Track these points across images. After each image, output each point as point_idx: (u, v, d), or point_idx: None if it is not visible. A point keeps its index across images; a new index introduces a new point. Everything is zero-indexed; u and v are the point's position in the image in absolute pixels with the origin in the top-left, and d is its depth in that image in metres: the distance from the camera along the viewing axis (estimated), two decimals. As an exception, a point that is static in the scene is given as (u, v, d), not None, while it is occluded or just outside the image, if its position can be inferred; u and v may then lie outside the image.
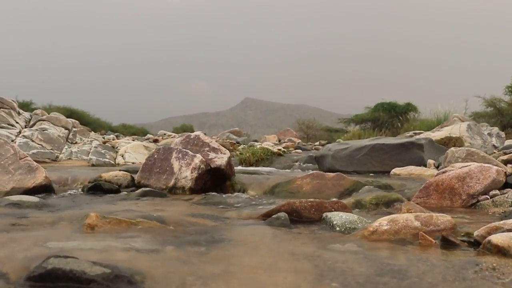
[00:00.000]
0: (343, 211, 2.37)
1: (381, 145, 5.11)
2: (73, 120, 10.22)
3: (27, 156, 3.52)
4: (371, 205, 2.76)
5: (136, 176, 3.82)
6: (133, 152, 6.21)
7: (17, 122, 7.30)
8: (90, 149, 6.34)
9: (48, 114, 28.97)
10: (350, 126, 39.94)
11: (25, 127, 7.45)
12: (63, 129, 7.20)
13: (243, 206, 2.97)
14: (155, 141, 11.47)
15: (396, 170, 4.65)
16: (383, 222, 1.96)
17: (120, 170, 4.68)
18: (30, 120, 7.84)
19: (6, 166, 3.42)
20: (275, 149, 6.95)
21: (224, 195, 3.46)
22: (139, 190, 3.42)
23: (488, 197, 2.89)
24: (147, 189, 3.46)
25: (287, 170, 5.85)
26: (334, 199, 2.60)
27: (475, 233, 1.79)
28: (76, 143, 7.56)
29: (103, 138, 8.76)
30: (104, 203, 2.97)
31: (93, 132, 8.73)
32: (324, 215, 2.29)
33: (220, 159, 3.74)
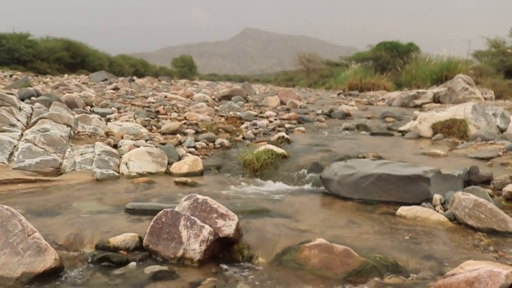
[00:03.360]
0: None
1: (388, 176, 5.09)
2: (74, 103, 10.09)
3: (35, 232, 3.51)
4: (381, 322, 2.81)
5: (144, 240, 3.84)
6: (137, 160, 6.20)
7: (18, 120, 7.22)
8: (94, 156, 6.32)
9: (48, 47, 29.12)
10: (352, 63, 39.50)
11: (27, 124, 7.38)
12: (65, 126, 7.13)
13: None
14: (157, 112, 11.37)
15: (402, 211, 4.65)
16: None
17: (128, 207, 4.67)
18: (31, 115, 7.74)
19: (15, 245, 3.41)
20: (279, 151, 6.96)
21: (231, 273, 3.50)
22: (149, 272, 3.44)
23: (494, 303, 2.93)
24: (156, 269, 3.48)
25: (294, 189, 5.92)
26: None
27: None
28: (78, 134, 7.53)
29: (105, 121, 8.71)
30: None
31: (95, 116, 8.67)
32: None
33: (229, 228, 3.74)
